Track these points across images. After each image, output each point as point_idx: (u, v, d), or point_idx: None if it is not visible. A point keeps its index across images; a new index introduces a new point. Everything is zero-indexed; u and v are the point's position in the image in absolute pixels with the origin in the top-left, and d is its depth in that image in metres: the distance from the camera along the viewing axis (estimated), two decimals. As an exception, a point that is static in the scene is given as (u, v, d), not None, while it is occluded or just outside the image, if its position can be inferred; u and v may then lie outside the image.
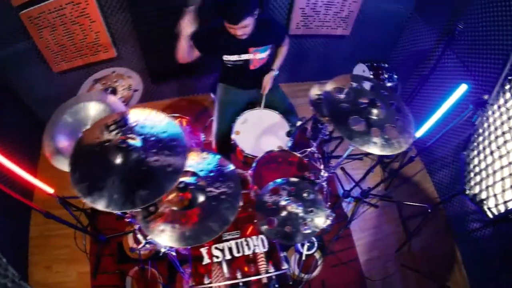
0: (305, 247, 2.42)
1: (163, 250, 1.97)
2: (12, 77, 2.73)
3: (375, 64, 2.94)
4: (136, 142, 1.46)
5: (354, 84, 1.79)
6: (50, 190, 2.24)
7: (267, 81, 2.25)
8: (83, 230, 2.47)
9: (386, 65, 2.96)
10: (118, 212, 1.77)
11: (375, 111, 1.67)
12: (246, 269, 1.94)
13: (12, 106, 2.86)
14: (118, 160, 1.39)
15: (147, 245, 1.97)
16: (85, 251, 2.63)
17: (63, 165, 1.81)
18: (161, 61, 2.85)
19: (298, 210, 1.71)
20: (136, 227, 2.05)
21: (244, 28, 1.85)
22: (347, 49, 3.15)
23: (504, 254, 2.41)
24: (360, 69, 2.97)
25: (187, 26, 1.86)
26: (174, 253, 2.02)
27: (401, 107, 1.77)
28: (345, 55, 3.19)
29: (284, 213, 1.71)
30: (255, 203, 1.80)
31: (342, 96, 1.72)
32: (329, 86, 1.78)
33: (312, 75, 3.41)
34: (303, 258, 2.32)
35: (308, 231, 1.68)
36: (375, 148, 1.57)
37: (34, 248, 2.74)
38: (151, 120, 1.58)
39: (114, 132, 1.49)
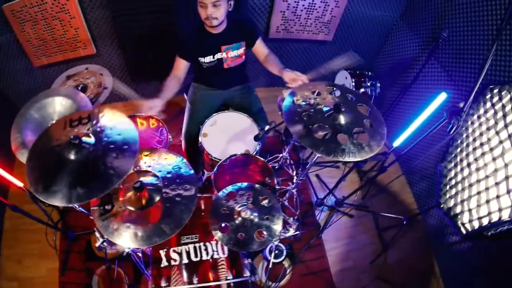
0: (273, 254, 2.39)
1: (126, 250, 1.94)
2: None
3: (357, 72, 2.89)
4: (90, 140, 1.48)
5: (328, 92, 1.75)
6: (19, 183, 2.24)
7: (293, 74, 2.01)
8: (52, 226, 2.46)
9: (369, 73, 2.91)
10: (74, 205, 1.77)
11: (341, 116, 1.63)
12: (206, 274, 1.91)
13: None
14: (70, 156, 1.42)
15: (106, 244, 1.95)
16: (55, 247, 2.62)
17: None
18: (139, 59, 2.86)
19: (253, 216, 1.67)
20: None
21: (215, 7, 1.83)
22: (329, 55, 3.06)
23: (482, 270, 2.33)
24: (343, 76, 2.93)
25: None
26: (140, 254, 1.99)
27: (372, 110, 1.71)
28: (325, 61, 3.13)
29: (238, 220, 1.67)
30: (210, 208, 1.77)
31: (304, 103, 1.68)
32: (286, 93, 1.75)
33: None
34: (270, 266, 2.29)
35: (263, 239, 1.64)
36: (344, 155, 1.52)
37: (7, 241, 2.75)
38: (113, 121, 1.58)
39: (75, 129, 1.52)
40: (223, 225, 1.64)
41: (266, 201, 1.75)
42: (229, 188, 1.78)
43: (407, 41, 2.85)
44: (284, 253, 2.44)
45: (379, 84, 2.87)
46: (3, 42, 2.59)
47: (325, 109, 1.68)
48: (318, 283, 2.50)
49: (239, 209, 1.69)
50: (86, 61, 2.73)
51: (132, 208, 1.61)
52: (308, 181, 2.84)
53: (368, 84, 2.84)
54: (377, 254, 2.65)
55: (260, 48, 2.20)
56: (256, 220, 1.67)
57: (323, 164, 2.86)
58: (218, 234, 1.64)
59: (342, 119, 1.62)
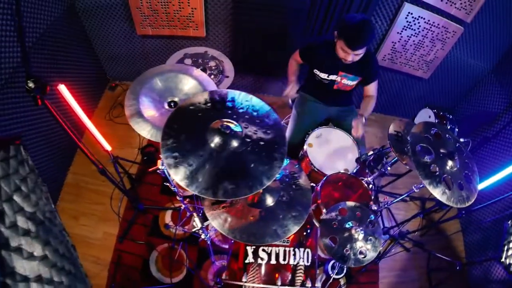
0: (336, 270, 2.44)
1: (203, 236, 1.97)
2: (93, 26, 2.76)
3: (441, 113, 2.96)
4: (236, 127, 1.41)
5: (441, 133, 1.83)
6: (108, 147, 2.24)
7: (357, 127, 2.09)
8: (127, 193, 2.46)
9: (451, 116, 2.98)
10: (175, 189, 1.79)
11: (450, 162, 1.73)
12: (285, 277, 1.95)
13: (83, 55, 2.88)
14: (215, 143, 1.34)
15: (184, 228, 1.95)
16: (118, 214, 2.63)
17: (142, 128, 1.79)
18: (246, 53, 2.88)
19: (360, 236, 1.72)
20: (183, 207, 2.05)
21: (356, 55, 1.90)
22: (420, 92, 3.17)
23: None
24: (426, 114, 2.99)
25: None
26: (209, 242, 2.02)
27: (471, 165, 1.83)
28: (415, 96, 3.21)
29: (346, 234, 1.73)
30: (321, 219, 1.82)
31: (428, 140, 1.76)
32: (417, 128, 1.82)
33: (379, 106, 3.40)
34: (330, 280, 2.35)
35: (363, 258, 1.71)
36: (444, 196, 1.63)
37: (66, 195, 2.75)
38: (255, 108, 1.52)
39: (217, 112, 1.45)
40: (334, 237, 1.71)
41: (371, 223, 1.81)
42: (342, 205, 1.83)
43: (493, 96, 2.90)
44: (344, 271, 2.49)
45: (457, 129, 2.94)
46: (112, 2, 2.59)
47: (441, 150, 1.77)
48: (365, 307, 2.56)
49: (348, 226, 1.75)
50: (192, 43, 2.75)
51: (246, 203, 1.65)
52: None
53: (448, 127, 2.91)
54: (421, 292, 2.72)
55: (370, 89, 2.24)
56: (361, 239, 1.73)
57: (400, 197, 2.95)
58: (326, 244, 1.70)
59: (450, 165, 1.73)
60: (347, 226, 1.77)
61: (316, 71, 2.16)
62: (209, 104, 1.50)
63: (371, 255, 1.73)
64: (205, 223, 1.89)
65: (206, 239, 2.00)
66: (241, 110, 1.52)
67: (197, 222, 1.88)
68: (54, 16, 2.35)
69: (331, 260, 2.50)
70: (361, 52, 1.87)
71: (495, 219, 2.77)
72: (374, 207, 1.97)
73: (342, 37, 1.84)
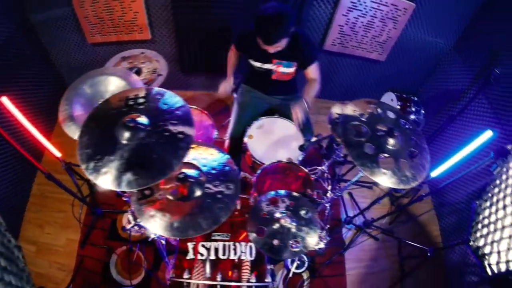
0: (294, 264, 2.38)
1: (152, 236, 1.95)
2: (48, 40, 2.82)
3: (404, 95, 2.87)
4: (143, 120, 1.44)
5: (379, 110, 1.74)
6: (57, 153, 2.28)
7: (297, 112, 2.03)
8: (81, 199, 2.49)
9: (415, 98, 2.88)
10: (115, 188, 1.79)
11: (391, 141, 1.63)
12: (228, 273, 1.91)
13: (42, 68, 2.95)
14: (124, 138, 1.38)
15: (136, 228, 1.97)
16: (79, 220, 2.66)
17: (74, 133, 1.83)
18: (193, 51, 2.88)
19: (292, 225, 1.66)
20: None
21: (276, 47, 1.86)
22: (379, 75, 3.07)
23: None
24: (389, 98, 2.90)
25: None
26: (163, 242, 2.01)
27: (419, 142, 1.71)
28: (376, 80, 3.12)
29: (276, 226, 1.67)
30: (250, 210, 1.77)
31: (362, 119, 1.68)
32: (350, 108, 1.74)
33: (339, 94, 3.35)
34: (290, 275, 2.28)
35: (297, 249, 1.63)
36: (384, 178, 1.53)
37: (32, 206, 2.82)
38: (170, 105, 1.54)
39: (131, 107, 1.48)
40: (262, 228, 1.64)
41: (305, 212, 1.74)
42: (273, 193, 1.78)
43: (457, 73, 2.80)
44: (306, 265, 2.42)
45: (423, 111, 2.84)
46: (61, 15, 2.66)
47: (378, 128, 1.68)
48: (333, 301, 2.48)
49: (279, 215, 1.69)
50: (140, 46, 2.77)
51: (171, 198, 1.62)
52: (340, 198, 2.83)
53: (413, 109, 2.81)
54: (394, 281, 2.61)
55: (310, 73, 2.15)
56: (294, 229, 1.67)
57: (363, 184, 2.84)
58: (253, 236, 1.64)
59: (391, 143, 1.62)
60: (278, 216, 1.71)
61: (251, 61, 2.13)
62: (123, 102, 1.53)
63: (307, 245, 1.64)
64: (137, 220, 1.88)
65: (155, 239, 1.98)
66: (152, 105, 1.54)
67: (130, 219, 1.88)
68: (8, 32, 2.41)
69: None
70: (280, 44, 1.82)
71: (467, 200, 2.65)
72: (315, 196, 1.92)
73: (256, 32, 1.81)
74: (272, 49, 1.86)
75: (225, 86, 2.17)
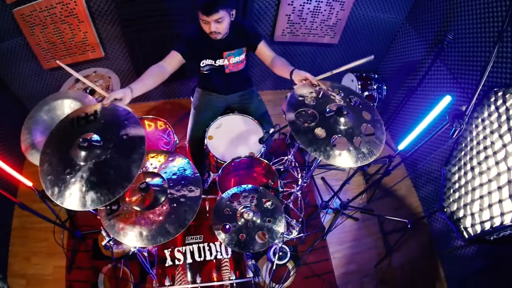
0: (277, 256, 2.40)
1: (132, 249, 1.97)
2: (5, 72, 2.81)
3: (364, 74, 2.89)
4: (95, 137, 1.47)
5: (328, 91, 1.75)
6: (28, 183, 2.29)
7: (302, 75, 1.84)
8: (59, 225, 2.50)
9: (376, 76, 2.90)
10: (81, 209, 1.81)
11: (342, 119, 1.61)
12: (210, 275, 1.93)
13: (2, 99, 2.94)
14: (81, 159, 1.42)
15: (111, 243, 1.98)
16: (62, 245, 2.66)
17: (37, 160, 1.83)
18: (147, 62, 2.86)
19: (255, 218, 1.68)
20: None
21: (218, 23, 1.85)
22: (335, 58, 3.10)
23: (487, 274, 2.31)
24: (349, 79, 2.93)
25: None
26: (145, 254, 2.02)
27: (374, 115, 1.70)
28: (333, 64, 3.13)
29: (241, 221, 1.69)
30: (213, 208, 1.79)
31: (309, 104, 1.69)
32: (297, 91, 1.75)
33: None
34: (274, 267, 2.30)
35: (265, 240, 1.65)
36: (340, 159, 1.50)
37: (16, 239, 2.80)
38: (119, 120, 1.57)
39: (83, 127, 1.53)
40: (226, 226, 1.66)
41: (269, 203, 1.76)
42: (233, 190, 1.80)
43: (413, 44, 2.83)
44: (288, 255, 2.45)
45: (385, 87, 2.86)
46: (14, 45, 2.65)
47: (327, 109, 1.67)
48: (322, 286, 2.50)
49: (241, 210, 1.71)
50: (95, 64, 2.78)
51: (137, 208, 1.64)
52: (314, 184, 2.84)
53: (375, 87, 2.83)
54: (381, 257, 2.64)
55: (264, 52, 2.10)
56: (258, 221, 1.69)
57: (328, 167, 2.86)
58: (220, 235, 1.66)
59: (343, 122, 1.61)
60: (240, 210, 1.72)
61: (204, 61, 2.12)
62: (74, 122, 1.58)
63: (274, 234, 1.66)
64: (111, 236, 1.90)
65: (135, 252, 2.00)
66: (102, 121, 1.57)
67: (104, 235, 1.90)
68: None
69: (272, 246, 2.47)
70: (219, 16, 1.81)
71: (439, 167, 2.68)
72: (277, 187, 1.94)
73: (197, 8, 1.82)
74: (213, 27, 1.86)
75: (122, 95, 1.63)
